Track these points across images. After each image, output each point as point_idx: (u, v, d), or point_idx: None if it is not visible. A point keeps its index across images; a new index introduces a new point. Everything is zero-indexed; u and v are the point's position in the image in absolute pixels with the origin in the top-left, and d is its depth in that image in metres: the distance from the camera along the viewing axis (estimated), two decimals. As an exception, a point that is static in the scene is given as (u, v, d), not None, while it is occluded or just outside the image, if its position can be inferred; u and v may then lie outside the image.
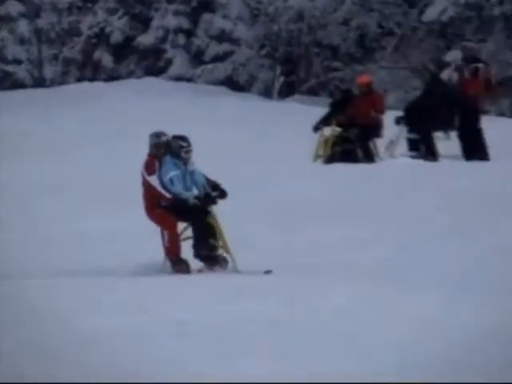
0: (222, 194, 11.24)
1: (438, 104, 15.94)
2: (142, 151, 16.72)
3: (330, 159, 16.02)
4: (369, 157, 16.28)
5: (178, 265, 11.07)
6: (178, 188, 11.06)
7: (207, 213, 11.16)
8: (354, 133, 16.18)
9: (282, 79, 28.40)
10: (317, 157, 16.50)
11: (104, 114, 20.78)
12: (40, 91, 27.37)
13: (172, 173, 11.07)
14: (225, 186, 13.35)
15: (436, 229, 12.24)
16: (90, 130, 18.64)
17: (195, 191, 11.27)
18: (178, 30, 28.68)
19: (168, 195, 11.05)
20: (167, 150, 11.30)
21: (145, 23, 29.23)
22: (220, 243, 11.14)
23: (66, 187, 14.99)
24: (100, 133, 18.70)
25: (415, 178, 14.89)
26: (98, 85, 27.08)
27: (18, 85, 29.15)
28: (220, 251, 11.11)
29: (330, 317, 7.63)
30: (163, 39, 28.75)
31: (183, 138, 11.21)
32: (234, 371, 6.26)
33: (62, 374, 6.06)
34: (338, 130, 16.34)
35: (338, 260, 10.61)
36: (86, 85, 27.14)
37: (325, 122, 16.46)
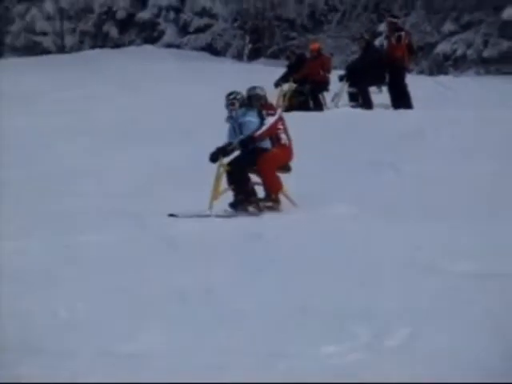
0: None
1: (371, 65, 15.05)
2: (141, 103, 16.29)
3: (288, 109, 15.15)
4: (319, 106, 15.61)
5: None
6: (229, 139, 8.86)
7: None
8: (307, 88, 15.44)
9: (250, 46, 28.26)
10: (277, 107, 15.75)
11: (111, 74, 20.49)
12: (61, 56, 27.22)
13: (228, 127, 9.03)
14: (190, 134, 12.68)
15: (363, 161, 10.86)
16: (97, 88, 18.29)
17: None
18: (170, 8, 28.52)
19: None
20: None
21: (143, 2, 29.13)
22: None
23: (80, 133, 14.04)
24: (106, 89, 18.10)
25: (354, 122, 14.03)
26: (107, 51, 26.88)
27: (45, 52, 28.92)
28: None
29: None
30: (157, 15, 28.40)
31: (227, 94, 9.01)
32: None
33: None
34: (294, 85, 15.64)
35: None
36: (97, 51, 26.89)
37: (283, 79, 15.78)
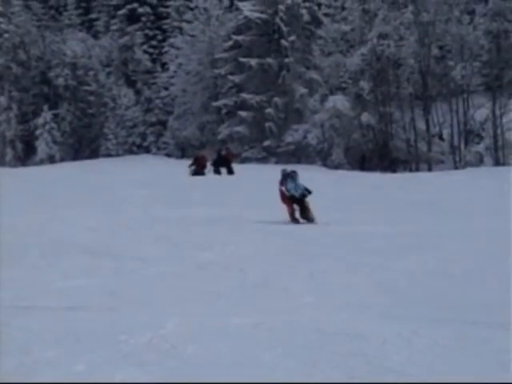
0: (309, 192, 13.99)
1: (220, 160, 30.02)
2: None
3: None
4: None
5: (293, 220, 14.53)
6: (292, 191, 14.14)
7: (303, 200, 14.36)
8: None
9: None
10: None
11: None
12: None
13: (290, 184, 14.35)
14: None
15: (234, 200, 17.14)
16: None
17: (299, 191, 14.30)
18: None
19: (287, 193, 14.51)
20: (288, 175, 14.68)
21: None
22: (307, 213, 14.42)
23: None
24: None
25: (216, 178, 26.10)
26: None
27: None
28: (308, 216, 14.50)
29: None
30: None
31: (294, 171, 14.51)
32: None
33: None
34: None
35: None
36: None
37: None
